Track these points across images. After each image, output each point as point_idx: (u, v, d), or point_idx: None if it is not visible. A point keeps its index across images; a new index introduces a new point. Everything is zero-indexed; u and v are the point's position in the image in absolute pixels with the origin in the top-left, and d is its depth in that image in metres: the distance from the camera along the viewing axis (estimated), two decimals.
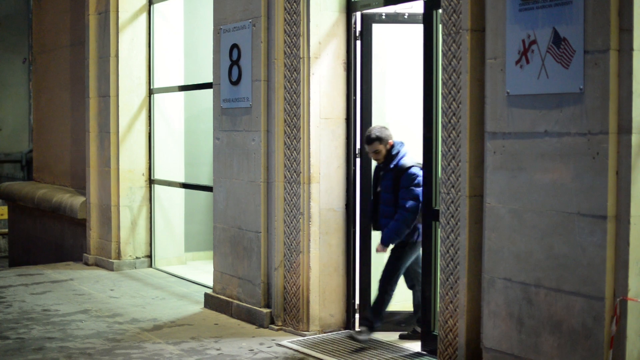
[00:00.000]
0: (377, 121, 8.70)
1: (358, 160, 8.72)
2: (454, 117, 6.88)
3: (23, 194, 15.86)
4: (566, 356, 5.93)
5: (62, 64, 15.18)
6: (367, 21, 8.61)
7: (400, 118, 8.94)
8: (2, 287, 11.52)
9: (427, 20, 7.69)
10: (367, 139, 8.13)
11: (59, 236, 14.72)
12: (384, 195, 8.11)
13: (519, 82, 6.18)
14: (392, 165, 8.07)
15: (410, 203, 7.89)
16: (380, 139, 8.07)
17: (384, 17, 8.57)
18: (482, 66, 6.60)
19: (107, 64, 12.71)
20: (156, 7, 12.81)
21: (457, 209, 6.89)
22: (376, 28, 8.63)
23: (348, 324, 8.77)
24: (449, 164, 6.96)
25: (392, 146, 8.13)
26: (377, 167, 8.31)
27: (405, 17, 8.51)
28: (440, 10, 7.15)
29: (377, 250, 8.16)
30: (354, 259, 8.73)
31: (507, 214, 6.34)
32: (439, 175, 7.25)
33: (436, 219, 7.51)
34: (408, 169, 7.98)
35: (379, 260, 8.66)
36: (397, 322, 8.52)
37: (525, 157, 6.17)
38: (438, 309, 7.32)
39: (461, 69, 6.77)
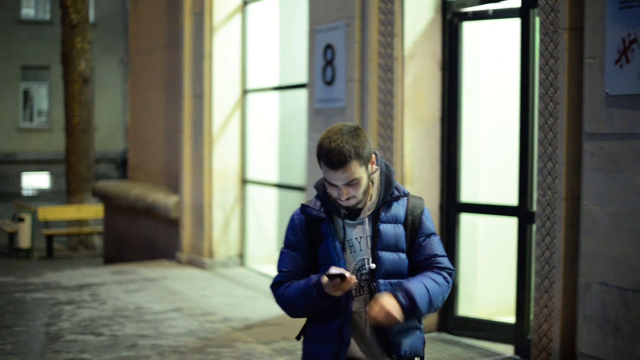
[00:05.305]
0: (470, 122, 8.59)
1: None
2: (550, 118, 6.76)
3: (118, 193, 16.07)
4: None
5: (157, 64, 15.34)
6: (459, 20, 8.50)
7: (494, 118, 8.81)
8: (96, 284, 11.68)
9: (524, 18, 7.59)
10: (338, 160, 3.84)
11: (152, 235, 14.88)
12: (386, 256, 3.99)
13: (618, 82, 6.04)
14: (391, 196, 4.11)
15: (450, 264, 4.15)
16: (360, 154, 3.90)
17: (470, 15, 8.44)
18: (580, 66, 6.48)
19: (201, 65, 12.81)
20: (251, 7, 12.87)
21: (552, 212, 6.77)
22: (472, 27, 8.52)
23: None
24: (545, 166, 6.84)
25: (375, 167, 4.13)
26: (328, 211, 4.06)
27: (490, 13, 8.32)
28: (537, 9, 7.05)
29: (384, 315, 3.82)
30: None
31: (604, 217, 6.21)
32: (535, 177, 7.13)
33: (531, 222, 7.40)
34: (420, 202, 4.23)
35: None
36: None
37: (625, 158, 6.03)
38: (532, 313, 7.20)
39: (559, 68, 6.65)
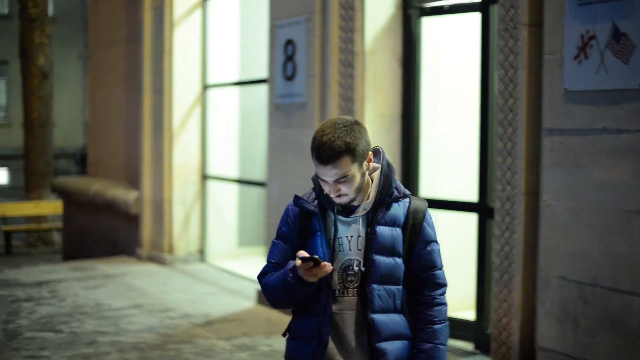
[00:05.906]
0: (430, 118, 8.60)
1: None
2: (510, 113, 6.78)
3: (77, 188, 15.97)
4: (623, 357, 5.83)
5: (117, 59, 15.25)
6: (419, 15, 8.51)
7: (454, 114, 8.83)
8: (56, 281, 11.60)
9: (484, 14, 7.61)
10: (327, 155, 3.65)
11: (112, 231, 14.80)
12: (380, 260, 3.76)
13: (577, 78, 6.08)
14: (390, 197, 3.84)
15: (445, 278, 3.94)
16: (352, 150, 3.67)
17: (429, 10, 8.44)
18: (539, 62, 6.51)
19: (161, 60, 12.75)
20: (211, 2, 12.83)
21: (512, 207, 6.80)
22: (431, 22, 8.53)
23: None
24: (504, 161, 6.87)
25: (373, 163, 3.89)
26: (321, 205, 3.86)
27: (449, 8, 8.30)
28: (497, 5, 7.07)
29: None
30: None
31: (563, 212, 6.25)
32: (495, 172, 7.15)
33: (490, 217, 7.42)
34: (423, 205, 3.93)
35: None
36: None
37: (583, 154, 6.07)
38: (492, 308, 7.23)
39: (518, 64, 6.68)
